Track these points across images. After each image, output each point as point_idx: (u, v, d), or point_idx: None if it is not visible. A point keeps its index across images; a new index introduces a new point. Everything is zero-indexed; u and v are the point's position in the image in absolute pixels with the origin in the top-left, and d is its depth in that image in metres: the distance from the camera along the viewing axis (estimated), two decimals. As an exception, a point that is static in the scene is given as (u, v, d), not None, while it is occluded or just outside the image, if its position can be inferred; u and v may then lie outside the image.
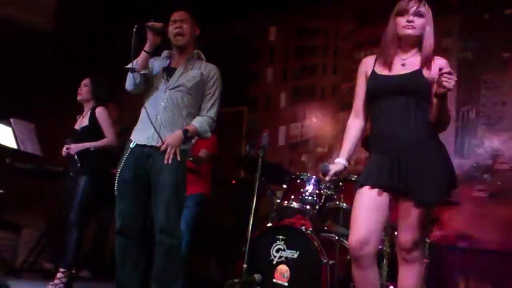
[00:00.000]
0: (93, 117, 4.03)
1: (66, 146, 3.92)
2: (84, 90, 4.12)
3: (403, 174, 2.24)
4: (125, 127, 4.67)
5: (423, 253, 2.34)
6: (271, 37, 5.96)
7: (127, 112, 5.08)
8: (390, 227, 3.18)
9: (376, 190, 2.30)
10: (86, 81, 4.15)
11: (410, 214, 2.26)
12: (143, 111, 3.03)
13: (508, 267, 3.87)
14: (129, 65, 2.94)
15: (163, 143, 2.86)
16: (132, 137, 3.02)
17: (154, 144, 2.90)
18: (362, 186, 2.34)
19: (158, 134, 2.89)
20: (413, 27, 2.35)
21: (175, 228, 2.88)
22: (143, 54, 2.94)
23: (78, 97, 4.13)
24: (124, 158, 2.96)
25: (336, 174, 2.47)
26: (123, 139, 4.48)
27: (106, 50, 5.72)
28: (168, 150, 2.84)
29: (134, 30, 2.85)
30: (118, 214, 2.94)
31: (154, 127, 2.89)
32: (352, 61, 5.02)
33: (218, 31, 5.55)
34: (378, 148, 2.37)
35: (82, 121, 4.08)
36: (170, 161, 2.84)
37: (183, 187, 2.95)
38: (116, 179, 2.96)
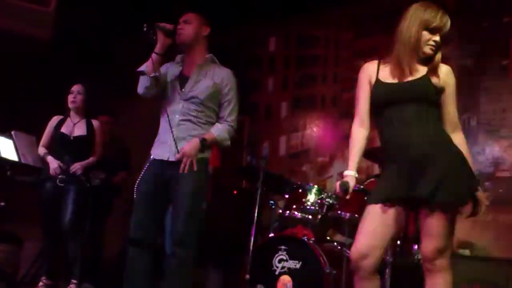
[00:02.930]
0: (91, 129, 4.06)
1: (72, 167, 3.91)
2: (78, 98, 4.07)
3: (418, 182, 2.17)
4: (116, 138, 4.71)
5: (449, 263, 2.21)
6: (271, 47, 5.98)
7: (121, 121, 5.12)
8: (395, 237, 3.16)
9: (386, 205, 2.26)
10: (79, 88, 4.09)
11: (430, 222, 2.19)
12: (161, 123, 3.00)
13: (511, 274, 3.86)
14: (140, 68, 2.89)
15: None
16: (152, 151, 2.98)
17: (172, 159, 2.84)
18: (371, 203, 2.30)
19: (176, 147, 2.84)
20: (436, 48, 2.30)
21: (192, 239, 2.83)
22: (153, 56, 2.86)
23: (72, 105, 4.08)
24: (143, 171, 2.93)
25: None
26: (114, 147, 4.57)
27: (104, 60, 5.74)
28: (184, 159, 2.78)
29: (144, 29, 2.81)
30: (132, 225, 2.88)
31: (173, 139, 2.85)
32: (352, 70, 5.03)
33: (217, 40, 5.55)
34: (391, 158, 2.31)
35: (75, 128, 4.05)
36: (185, 171, 2.78)
37: (202, 197, 2.91)
38: (134, 191, 2.92)
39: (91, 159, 4.04)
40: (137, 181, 2.92)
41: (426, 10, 2.29)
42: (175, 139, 2.84)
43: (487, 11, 4.52)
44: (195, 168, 2.81)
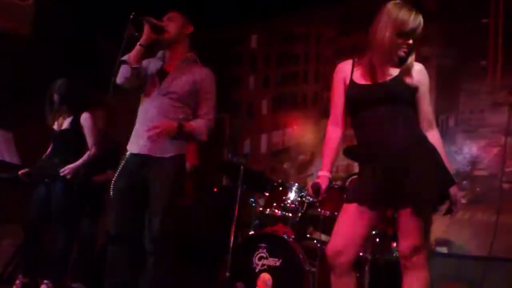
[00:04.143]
0: (76, 123, 3.95)
1: (61, 170, 3.83)
2: (62, 109, 4.00)
3: (395, 182, 2.20)
4: (107, 134, 4.62)
5: (426, 260, 2.24)
6: (252, 44, 5.98)
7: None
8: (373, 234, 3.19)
9: (361, 204, 2.27)
10: (56, 98, 3.99)
11: (406, 220, 2.21)
12: (137, 116, 2.98)
13: (487, 272, 3.92)
14: (123, 58, 2.86)
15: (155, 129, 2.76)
16: (128, 146, 2.97)
17: (146, 152, 2.85)
18: (349, 202, 2.32)
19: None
20: (409, 50, 2.30)
21: (168, 238, 2.82)
22: (137, 48, 2.86)
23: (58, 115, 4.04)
24: (120, 168, 2.91)
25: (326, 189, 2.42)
26: (109, 147, 4.47)
27: (86, 55, 5.69)
28: (157, 129, 2.74)
29: (131, 18, 2.80)
30: (110, 223, 2.89)
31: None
32: (333, 68, 5.01)
33: (199, 38, 5.54)
34: (367, 158, 2.33)
35: (63, 123, 3.98)
36: (152, 137, 2.75)
37: (178, 195, 2.91)
38: (111, 188, 2.91)
39: (85, 156, 3.89)
40: (114, 178, 2.92)
41: (399, 12, 2.27)
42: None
43: (467, 12, 4.58)
44: (160, 138, 2.77)
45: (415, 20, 2.28)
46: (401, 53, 2.30)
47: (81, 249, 4.75)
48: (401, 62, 2.33)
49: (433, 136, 2.35)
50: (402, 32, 2.27)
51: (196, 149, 4.42)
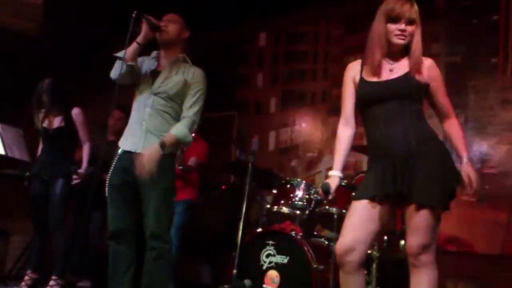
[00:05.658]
0: (69, 119, 3.99)
1: (74, 178, 3.91)
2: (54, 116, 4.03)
3: (404, 179, 2.20)
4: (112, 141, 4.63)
5: (434, 258, 2.24)
6: (260, 42, 5.97)
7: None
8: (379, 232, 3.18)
9: (371, 201, 2.28)
10: (45, 98, 4.01)
11: (415, 218, 2.21)
12: (131, 114, 3.02)
13: (496, 270, 3.90)
14: (118, 54, 2.90)
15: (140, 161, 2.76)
16: (120, 143, 3.00)
17: (140, 151, 2.86)
18: (358, 199, 2.32)
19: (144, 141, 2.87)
20: (405, 37, 2.30)
21: (166, 232, 2.87)
22: (133, 45, 2.91)
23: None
24: (113, 165, 2.95)
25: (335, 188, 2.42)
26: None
27: (94, 55, 5.71)
28: (142, 172, 2.72)
29: (133, 16, 2.84)
30: (109, 220, 2.93)
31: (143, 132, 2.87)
32: (342, 66, 4.96)
33: (208, 36, 5.56)
34: (377, 155, 2.33)
35: (54, 121, 4.01)
36: (141, 177, 2.75)
37: (172, 192, 2.94)
38: (106, 186, 2.94)
39: (85, 155, 3.97)
40: (108, 175, 2.94)
41: (388, 3, 2.33)
42: (145, 132, 2.89)
43: (477, 9, 4.54)
44: (150, 170, 2.74)
45: (403, 5, 2.30)
46: (397, 40, 2.32)
47: (90, 244, 4.77)
48: (406, 53, 2.35)
49: (452, 124, 2.38)
50: (390, 18, 2.30)
51: (204, 146, 4.43)
